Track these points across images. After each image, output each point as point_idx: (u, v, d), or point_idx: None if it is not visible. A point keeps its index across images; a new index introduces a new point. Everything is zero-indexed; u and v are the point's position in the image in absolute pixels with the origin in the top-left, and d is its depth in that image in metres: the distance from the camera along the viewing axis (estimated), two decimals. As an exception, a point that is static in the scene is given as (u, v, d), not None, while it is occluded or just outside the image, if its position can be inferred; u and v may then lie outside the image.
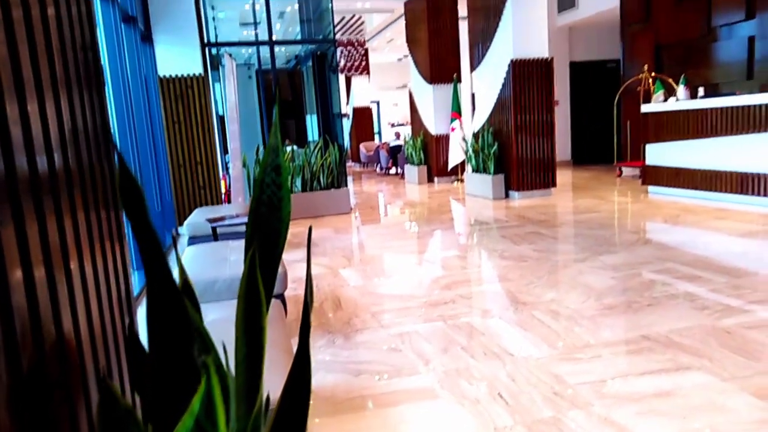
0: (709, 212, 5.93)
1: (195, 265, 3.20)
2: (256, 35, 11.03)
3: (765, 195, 5.83)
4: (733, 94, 6.49)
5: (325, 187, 7.92)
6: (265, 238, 0.98)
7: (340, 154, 8.08)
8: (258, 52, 9.98)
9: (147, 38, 6.65)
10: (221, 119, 8.44)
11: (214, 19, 11.19)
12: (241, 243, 3.71)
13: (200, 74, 7.09)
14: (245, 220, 4.59)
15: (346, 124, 19.01)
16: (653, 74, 8.85)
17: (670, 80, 8.40)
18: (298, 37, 11.66)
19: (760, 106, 5.79)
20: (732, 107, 6.13)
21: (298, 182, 7.96)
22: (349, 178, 14.13)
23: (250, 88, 10.36)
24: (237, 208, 5.37)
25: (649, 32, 9.37)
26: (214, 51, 9.09)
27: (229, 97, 6.66)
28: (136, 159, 5.16)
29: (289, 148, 11.73)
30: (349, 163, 18.26)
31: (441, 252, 5.29)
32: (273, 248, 0.97)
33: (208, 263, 3.20)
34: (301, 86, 12.95)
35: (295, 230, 6.74)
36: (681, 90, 7.14)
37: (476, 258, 4.93)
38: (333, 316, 3.47)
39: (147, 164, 5.92)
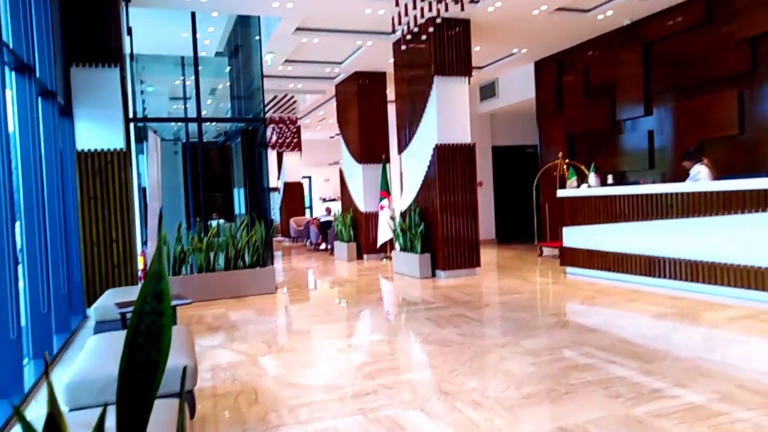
0: (622, 294, 6.20)
1: (96, 358, 2.94)
2: (185, 110, 10.99)
3: (671, 278, 6.19)
4: (638, 182, 7.01)
5: (250, 266, 7.71)
6: (140, 370, 0.89)
7: (267, 231, 7.96)
8: (186, 127, 9.91)
9: (66, 112, 6.44)
10: (144, 192, 8.19)
11: (142, 92, 11.09)
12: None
13: (121, 149, 6.89)
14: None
15: (277, 199, 18.92)
16: (567, 161, 9.46)
17: (582, 167, 8.99)
18: (229, 114, 11.70)
19: (661, 194, 6.26)
20: (637, 195, 6.59)
21: (221, 260, 7.72)
22: (278, 253, 13.90)
23: (176, 162, 10.17)
24: (152, 289, 5.09)
25: (562, 122, 10.10)
26: (141, 124, 8.92)
27: (151, 174, 6.48)
28: (43, 236, 4.84)
29: (215, 222, 11.47)
30: (279, 238, 18.03)
31: (367, 336, 5.19)
32: (148, 385, 0.89)
33: (111, 357, 2.96)
34: (230, 160, 12.87)
35: (216, 311, 6.47)
36: (592, 177, 7.64)
37: (401, 342, 4.87)
38: (248, 411, 3.26)
39: (55, 241, 5.57)
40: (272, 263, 8.03)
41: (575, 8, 7.84)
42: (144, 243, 8.04)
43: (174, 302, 4.42)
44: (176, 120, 10.63)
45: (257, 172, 10.67)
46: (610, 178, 7.92)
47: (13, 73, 4.60)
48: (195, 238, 7.57)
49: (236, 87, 11.00)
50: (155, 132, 6.91)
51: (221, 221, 12.09)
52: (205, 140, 12.64)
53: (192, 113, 8.89)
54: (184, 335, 3.32)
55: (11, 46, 4.39)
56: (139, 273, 7.38)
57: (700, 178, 6.26)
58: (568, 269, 7.82)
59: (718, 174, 6.40)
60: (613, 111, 8.94)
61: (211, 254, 7.54)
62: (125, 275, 6.84)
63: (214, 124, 12.25)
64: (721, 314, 4.99)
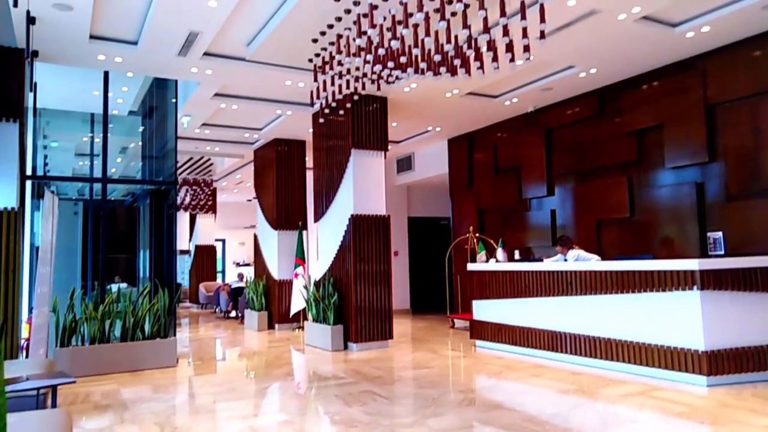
0: (527, 368, 6.34)
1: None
2: (91, 168, 10.48)
3: (572, 353, 6.43)
4: (541, 259, 7.36)
5: (150, 337, 7.22)
6: None
7: (171, 299, 7.54)
8: (91, 186, 9.42)
9: (-48, 166, 5.94)
10: (38, 252, 7.58)
11: (45, 147, 10.50)
12: (25, 416, 3.11)
13: (13, 208, 6.39)
14: (40, 384, 3.92)
15: (188, 262, 18.14)
16: (477, 235, 9.82)
17: (491, 241, 9.36)
18: (140, 173, 11.27)
19: (562, 272, 6.59)
20: (541, 271, 6.90)
21: (118, 329, 7.18)
22: (185, 321, 13.19)
23: (75, 223, 9.56)
24: (34, 365, 4.62)
25: (472, 197, 10.56)
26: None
27: (44, 237, 6.03)
28: None
29: (116, 287, 10.76)
30: (187, 304, 17.18)
31: (272, 415, 4.92)
32: None
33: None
34: (137, 220, 12.27)
35: (107, 388, 5.94)
36: (499, 252, 7.95)
37: (308, 423, 4.65)
38: None
39: None
40: (174, 334, 7.57)
41: (484, 94, 8.40)
42: (30, 310, 7.36)
43: (55, 381, 4.00)
44: (78, 179, 10.10)
45: (166, 234, 10.22)
46: (516, 254, 8.28)
47: None
48: (90, 306, 7.03)
49: (149, 147, 10.66)
50: (53, 192, 6.49)
51: (123, 285, 11.37)
52: (112, 198, 12.07)
53: (99, 171, 8.48)
54: (60, 421, 3.00)
55: None
56: (22, 342, 6.70)
57: (587, 257, 6.67)
58: (478, 342, 7.94)
59: (612, 254, 6.86)
60: (520, 189, 9.47)
61: (107, 323, 7.00)
62: (7, 346, 6.17)
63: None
64: (617, 390, 5.20)
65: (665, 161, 7.25)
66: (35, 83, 6.68)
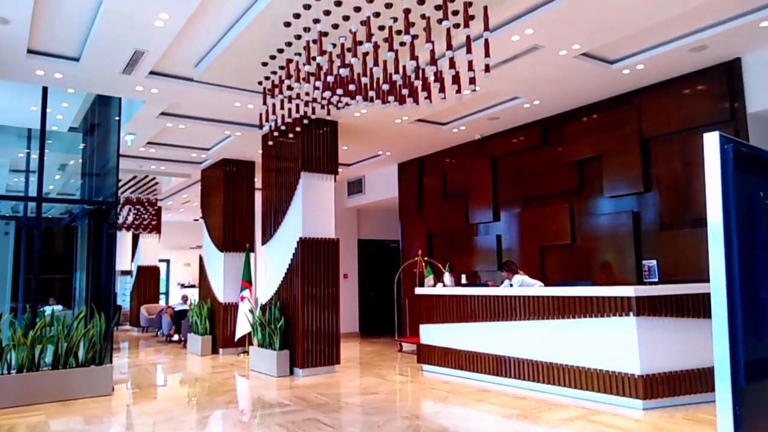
0: (472, 393, 6.39)
1: None
2: (27, 185, 10.00)
3: (516, 377, 6.53)
4: (487, 284, 7.49)
5: (84, 364, 6.87)
6: None
7: (107, 324, 7.22)
8: (25, 204, 8.99)
9: None
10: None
11: (-24, 162, 9.97)
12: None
13: (-64, 228, 6.01)
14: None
15: (129, 283, 17.49)
16: (425, 258, 9.90)
17: (440, 265, 9.46)
18: (79, 191, 10.84)
19: (506, 297, 6.72)
20: (486, 296, 7.01)
21: (49, 356, 6.80)
22: (124, 345, 12.66)
23: (6, 243, 9.08)
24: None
25: (422, 220, 10.68)
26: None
27: (-31, 259, 5.69)
28: None
29: (50, 309, 10.22)
30: (127, 327, 16.51)
31: (209, 447, 4.75)
32: None
33: None
34: (74, 239, 11.76)
35: (34, 420, 5.61)
36: (447, 276, 8.04)
37: (247, 454, 4.52)
38: None
39: None
40: (111, 360, 7.23)
41: (433, 121, 8.57)
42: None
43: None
44: (11, 198, 9.62)
45: (105, 255, 9.82)
46: (464, 278, 8.39)
47: None
48: (19, 331, 6.64)
49: (89, 165, 10.28)
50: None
51: (58, 308, 10.81)
52: (49, 216, 11.52)
53: (34, 188, 8.11)
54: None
55: None
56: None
57: (530, 283, 6.85)
58: (425, 367, 7.96)
59: (555, 280, 7.05)
60: (467, 214, 9.65)
61: (38, 349, 6.62)
62: None
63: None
64: (558, 415, 5.30)
65: (604, 190, 7.56)
66: (-34, 97, 6.37)
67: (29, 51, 6.01)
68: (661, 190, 6.95)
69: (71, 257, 11.87)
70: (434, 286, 8.31)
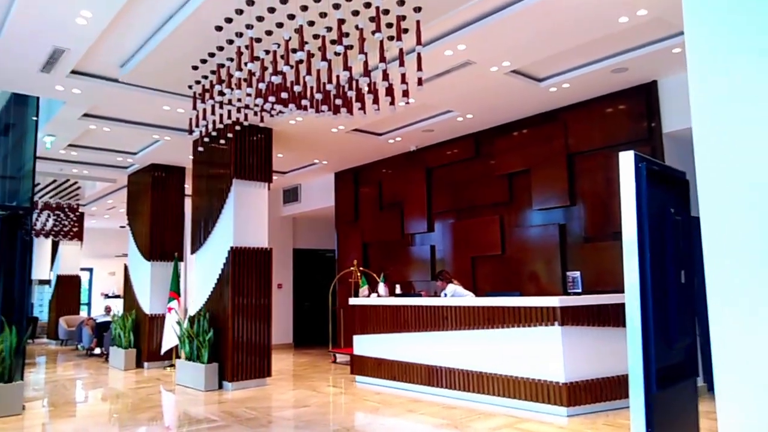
0: (404, 403, 6.40)
1: None
2: (-70, 188, 9.22)
3: (447, 387, 6.59)
4: (420, 294, 7.54)
5: (-9, 381, 6.38)
6: None
7: (19, 338, 6.74)
8: (-74, 209, 8.26)
9: None
10: None
11: None
12: None
13: None
14: None
15: (47, 293, 16.47)
16: (360, 268, 9.88)
17: (375, 275, 9.46)
18: (-9, 195, 10.10)
19: (438, 307, 6.79)
20: (418, 306, 7.06)
21: (-48, 374, 6.27)
22: (41, 359, 11.88)
23: None
24: None
25: (358, 230, 10.66)
26: None
27: None
28: None
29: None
30: (44, 340, 15.52)
31: (127, 468, 4.51)
32: None
33: None
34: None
35: (-71, 445, 5.13)
36: (381, 286, 8.04)
37: (168, 475, 4.32)
38: None
39: None
40: (21, 377, 6.74)
41: (369, 131, 8.59)
42: None
43: None
44: None
45: (18, 263, 9.18)
46: (398, 288, 8.42)
47: None
48: None
49: (3, 167, 9.61)
50: None
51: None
52: (-44, 222, 10.66)
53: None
54: None
55: None
56: None
57: (463, 293, 6.97)
58: (358, 378, 7.90)
59: (486, 290, 7.19)
60: (403, 224, 9.71)
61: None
62: None
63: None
64: (487, 423, 5.39)
65: (533, 203, 7.81)
66: None
67: (-67, 43, 5.56)
68: (585, 204, 7.26)
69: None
70: (369, 296, 8.29)
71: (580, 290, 6.53)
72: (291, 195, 12.47)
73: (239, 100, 5.77)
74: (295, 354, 11.39)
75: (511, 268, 8.00)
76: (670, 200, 3.64)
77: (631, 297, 3.16)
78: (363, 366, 7.81)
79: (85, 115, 7.68)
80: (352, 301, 8.22)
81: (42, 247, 16.54)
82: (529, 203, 7.87)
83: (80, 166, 10.46)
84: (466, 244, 8.62)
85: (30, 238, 8.67)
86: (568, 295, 6.38)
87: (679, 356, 3.53)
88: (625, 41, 5.82)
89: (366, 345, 7.80)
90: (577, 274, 6.63)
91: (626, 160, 3.21)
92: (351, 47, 4.77)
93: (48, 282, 16.71)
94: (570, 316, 5.62)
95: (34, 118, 7.87)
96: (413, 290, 9.08)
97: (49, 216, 14.07)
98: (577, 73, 6.50)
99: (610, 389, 5.69)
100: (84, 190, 13.32)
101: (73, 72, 6.28)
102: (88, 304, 18.66)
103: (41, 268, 16.60)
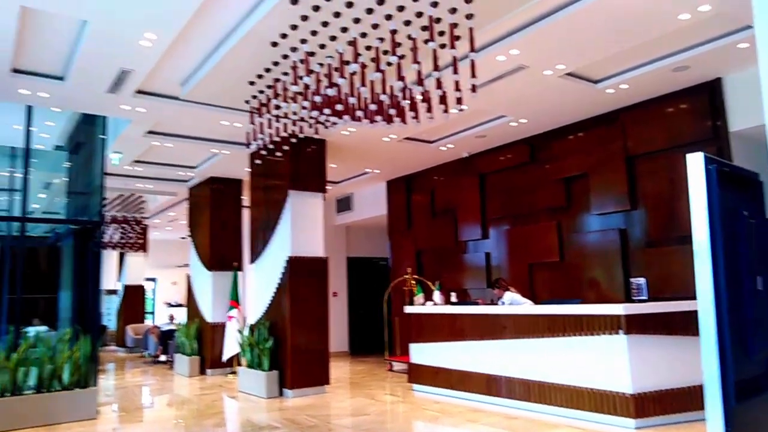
0: (463, 413, 6.33)
1: None
2: (11, 204, 9.86)
3: (507, 397, 6.47)
4: (477, 302, 7.46)
5: (68, 386, 6.73)
6: None
7: (93, 346, 7.09)
8: (8, 226, 8.84)
9: None
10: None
11: (-40, 181, 9.82)
12: None
13: None
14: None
15: (115, 302, 17.25)
16: (415, 276, 9.86)
17: (429, 283, 9.42)
18: (64, 210, 10.71)
19: (496, 315, 6.70)
20: (476, 314, 6.98)
21: (33, 379, 6.65)
22: (110, 366, 12.45)
23: (-10, 264, 8.92)
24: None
25: (411, 238, 10.65)
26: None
27: (-51, 281, 5.57)
28: None
29: (33, 330, 10.02)
30: (113, 347, 16.24)
31: (195, 473, 4.65)
32: None
33: None
34: (59, 258, 11.62)
35: (14, 447, 5.46)
36: (436, 294, 8.00)
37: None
38: None
39: None
40: (95, 383, 7.09)
41: (421, 139, 8.59)
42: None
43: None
44: (-6, 218, 9.48)
45: (90, 274, 9.68)
46: (453, 296, 8.35)
47: None
48: (1, 354, 6.50)
49: (74, 183, 10.18)
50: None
51: (42, 328, 10.62)
52: (33, 235, 11.36)
53: (19, 207, 8.01)
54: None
55: None
56: None
57: (521, 301, 6.84)
58: (416, 386, 7.88)
59: (544, 298, 7.04)
60: (456, 232, 9.64)
61: (21, 372, 6.47)
62: None
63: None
64: (550, 435, 5.26)
65: (591, 207, 7.59)
66: (-51, 117, 6.31)
67: (13, 70, 5.96)
68: (648, 208, 7.00)
69: (56, 277, 11.69)
70: (424, 304, 8.27)
71: (645, 297, 6.29)
72: (344, 204, 12.61)
73: (295, 113, 5.90)
74: (352, 362, 11.47)
75: (570, 274, 7.80)
76: (743, 203, 3.47)
77: (704, 305, 3.02)
78: (420, 374, 7.77)
79: (149, 132, 8.03)
80: (408, 309, 8.21)
81: (110, 259, 17.36)
82: (588, 208, 7.66)
83: (144, 180, 10.95)
84: (523, 250, 8.47)
85: (100, 251, 9.12)
86: (633, 303, 6.15)
87: (760, 368, 3.34)
88: (686, 38, 5.60)
89: (423, 353, 7.77)
90: (642, 280, 6.38)
91: (695, 162, 3.08)
92: (403, 57, 4.79)
93: (115, 292, 17.51)
94: (636, 324, 5.42)
95: (102, 137, 8.30)
96: (469, 298, 8.98)
97: (116, 229, 14.77)
98: (635, 74, 6.29)
99: (682, 401, 5.44)
100: (148, 203, 13.92)
101: (138, 92, 6.59)
102: (153, 313, 19.42)
103: (109, 278, 17.42)
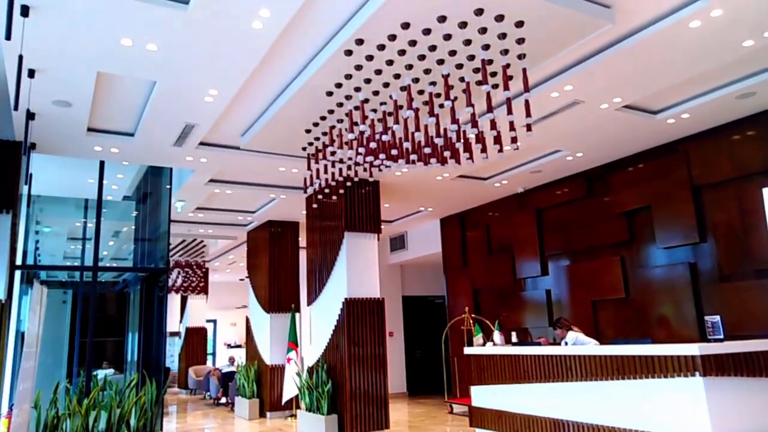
0: (530, 460, 6.06)
1: None
2: (83, 252, 10.42)
3: (576, 442, 6.17)
4: (539, 343, 7.21)
5: (136, 431, 6.90)
6: None
7: (158, 390, 7.27)
8: (81, 273, 9.32)
9: (-59, 259, 5.88)
10: (23, 338, 7.38)
11: (37, 232, 10.47)
12: None
13: (0, 300, 6.28)
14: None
15: (177, 344, 17.71)
16: (473, 315, 9.68)
17: (488, 322, 9.22)
18: (132, 256, 11.21)
19: (561, 356, 6.44)
20: (539, 356, 6.74)
21: (102, 423, 6.86)
22: (173, 408, 12.69)
23: (64, 312, 9.38)
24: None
25: (467, 276, 10.51)
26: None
27: (30, 331, 5.89)
28: None
29: (102, 373, 10.41)
30: (175, 389, 16.60)
31: None
32: None
33: None
34: (126, 303, 12.11)
35: (87, 492, 5.59)
36: (496, 335, 7.80)
37: None
38: None
39: None
40: (161, 427, 7.25)
41: (474, 176, 8.56)
42: (11, 406, 7.06)
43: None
44: (69, 268, 10.04)
45: (155, 318, 10.03)
46: (514, 336, 8.12)
47: None
48: (74, 400, 6.76)
49: (141, 231, 10.67)
50: (42, 283, 6.41)
51: (110, 371, 11.01)
52: (102, 280, 11.91)
53: (90, 256, 8.45)
54: None
55: None
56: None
57: (585, 341, 6.56)
58: (478, 430, 7.62)
59: (611, 337, 6.75)
60: (514, 269, 9.45)
61: (92, 417, 6.70)
62: (-20, 448, 5.87)
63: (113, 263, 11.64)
64: (626, 486, 4.95)
65: (657, 241, 7.30)
66: (30, 174, 6.78)
67: (89, 129, 6.37)
68: (718, 240, 6.66)
69: (123, 321, 12.18)
70: (483, 344, 8.07)
71: (721, 336, 5.91)
72: (398, 243, 12.63)
73: (350, 158, 6.01)
74: (410, 403, 11.26)
75: (637, 312, 7.46)
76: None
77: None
78: (483, 418, 7.53)
79: (211, 180, 8.36)
80: (468, 350, 8.03)
81: (172, 302, 17.92)
82: (653, 241, 7.37)
83: (206, 226, 11.35)
84: (585, 287, 8.19)
85: (165, 295, 9.46)
86: (708, 342, 5.80)
87: None
88: (750, 65, 5.40)
89: (485, 396, 7.54)
90: (717, 318, 6.01)
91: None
92: (456, 99, 4.84)
93: (178, 334, 18.00)
94: (714, 366, 5.09)
95: (168, 187, 8.70)
96: (530, 337, 8.72)
97: (179, 273, 15.29)
98: (696, 102, 6.10)
99: (770, 449, 5.04)
100: (208, 247, 14.40)
101: (201, 144, 6.90)
102: (213, 354, 19.80)
103: (172, 321, 17.96)
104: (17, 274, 7.05)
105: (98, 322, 10.99)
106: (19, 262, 7.09)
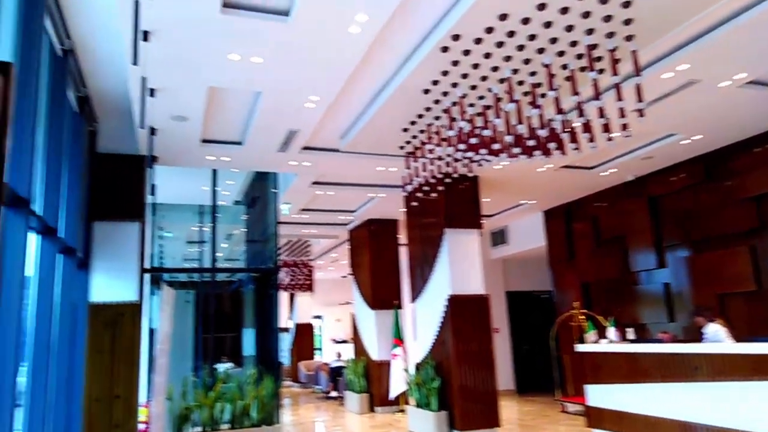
0: (654, 465, 5.71)
1: None
2: (201, 254, 11.21)
3: (706, 447, 5.72)
4: (661, 340, 6.76)
5: (257, 423, 7.32)
6: None
7: (275, 385, 7.66)
8: (200, 275, 10.02)
9: (83, 265, 6.56)
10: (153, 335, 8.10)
11: (160, 237, 11.40)
12: None
13: (135, 301, 6.90)
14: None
15: (287, 339, 18.55)
16: (583, 311, 9.26)
17: (600, 318, 8.79)
18: (244, 257, 11.89)
19: (686, 354, 5.99)
20: (660, 353, 6.32)
21: (228, 413, 7.35)
22: (287, 401, 13.31)
23: (188, 310, 10.14)
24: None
25: (574, 269, 10.08)
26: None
27: (162, 329, 6.42)
28: (46, 384, 4.64)
29: (222, 367, 11.15)
30: (287, 383, 17.40)
31: None
32: None
33: None
34: (241, 300, 12.91)
35: (216, 479, 6.01)
36: (611, 331, 7.41)
37: None
38: None
39: (60, 393, 5.34)
40: (279, 420, 7.63)
41: (580, 166, 8.17)
42: (149, 399, 7.75)
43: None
44: (191, 270, 10.82)
45: (268, 314, 10.58)
46: (630, 332, 7.68)
47: (39, 235, 4.75)
48: (202, 392, 7.30)
49: (252, 233, 11.29)
50: (169, 285, 6.98)
51: (229, 365, 11.76)
52: (219, 280, 12.77)
53: (207, 257, 9.07)
54: None
55: (41, 213, 4.58)
56: (141, 426, 7.01)
57: (722, 338, 6.04)
58: (595, 431, 7.30)
59: (742, 334, 6.18)
60: (626, 261, 8.92)
61: (218, 409, 7.20)
62: (125, 434, 6.50)
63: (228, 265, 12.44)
64: (768, 498, 4.52)
65: (793, 227, 6.58)
66: (154, 185, 7.39)
67: (202, 141, 6.83)
68: None
69: (238, 318, 12.98)
70: (597, 341, 7.70)
71: None
72: (499, 237, 12.38)
73: (449, 155, 5.97)
74: (519, 401, 11.01)
75: (773, 305, 6.77)
76: None
77: None
78: (601, 419, 7.19)
79: (314, 182, 8.66)
80: (580, 348, 7.71)
81: (281, 299, 18.80)
82: (788, 227, 6.65)
83: (309, 227, 11.78)
84: (710, 279, 7.56)
85: (276, 293, 9.94)
86: None
87: None
88: None
89: (602, 395, 7.20)
90: None
91: None
92: (559, 87, 4.64)
93: (287, 330, 18.87)
94: None
95: (274, 190, 9.13)
96: (648, 334, 8.20)
97: (286, 272, 16.02)
98: (838, 70, 5.41)
99: None
100: (312, 246, 14.94)
101: (304, 148, 7.16)
102: (320, 349, 20.55)
103: (282, 317, 18.85)
104: (146, 277, 7.71)
105: (217, 318, 11.78)
106: (147, 266, 7.75)
